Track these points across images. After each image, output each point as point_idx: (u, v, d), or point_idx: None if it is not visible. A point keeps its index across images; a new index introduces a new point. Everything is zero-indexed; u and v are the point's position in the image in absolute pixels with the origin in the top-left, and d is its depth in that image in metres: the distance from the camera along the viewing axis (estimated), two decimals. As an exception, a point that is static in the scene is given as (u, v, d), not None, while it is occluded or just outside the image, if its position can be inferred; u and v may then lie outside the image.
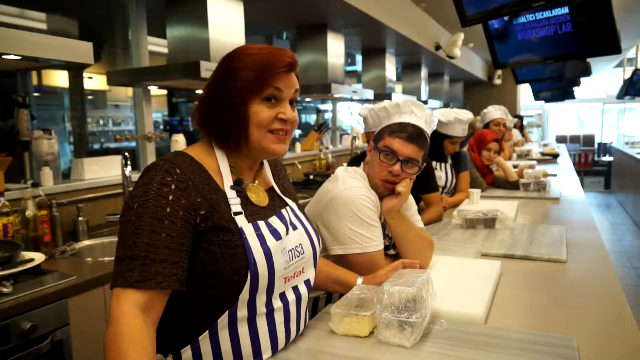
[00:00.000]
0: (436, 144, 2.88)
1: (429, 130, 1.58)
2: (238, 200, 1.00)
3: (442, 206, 2.56)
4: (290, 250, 1.03)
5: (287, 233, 1.04)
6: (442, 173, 2.95)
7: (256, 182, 1.09)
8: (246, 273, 0.94)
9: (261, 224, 1.00)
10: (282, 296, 1.03)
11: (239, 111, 0.98)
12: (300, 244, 1.07)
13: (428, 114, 1.58)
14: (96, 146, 4.33)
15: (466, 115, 2.84)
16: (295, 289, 1.06)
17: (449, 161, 2.98)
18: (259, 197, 1.06)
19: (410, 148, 1.49)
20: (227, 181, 1.01)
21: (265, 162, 1.18)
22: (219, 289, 0.95)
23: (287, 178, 1.24)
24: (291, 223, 1.08)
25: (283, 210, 1.09)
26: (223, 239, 0.94)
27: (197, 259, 0.94)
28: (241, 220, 0.97)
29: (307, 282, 1.10)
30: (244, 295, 0.95)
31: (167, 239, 0.89)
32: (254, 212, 1.02)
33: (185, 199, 0.92)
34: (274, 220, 1.04)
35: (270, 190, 1.12)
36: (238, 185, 1.02)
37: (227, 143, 1.02)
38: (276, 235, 1.01)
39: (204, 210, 0.94)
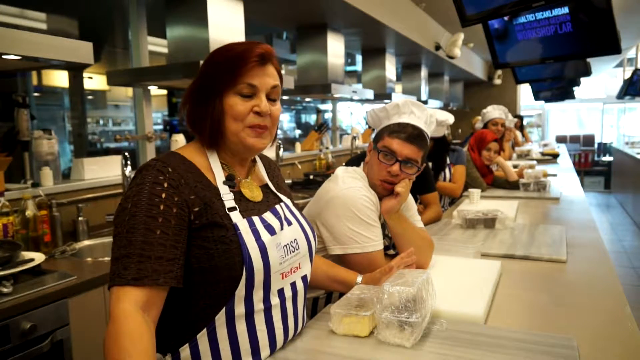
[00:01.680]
0: None
1: (429, 130, 1.58)
2: (231, 195, 1.01)
3: (440, 206, 2.56)
4: (285, 246, 1.04)
5: (282, 228, 1.05)
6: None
7: (249, 178, 1.10)
8: (241, 268, 0.94)
9: (255, 219, 1.01)
10: (280, 292, 1.03)
11: (213, 104, 1.00)
12: (295, 239, 1.07)
13: (428, 114, 1.57)
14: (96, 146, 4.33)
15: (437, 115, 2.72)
16: (293, 285, 1.07)
17: (448, 161, 2.99)
18: (252, 193, 1.07)
19: (409, 148, 1.49)
20: (219, 177, 1.02)
21: (259, 160, 1.19)
22: (215, 286, 0.95)
23: (281, 177, 1.25)
24: (286, 219, 1.09)
25: (277, 206, 1.09)
26: (217, 235, 0.95)
27: (192, 256, 0.94)
28: (235, 216, 0.98)
29: (303, 277, 1.11)
30: (240, 291, 0.95)
31: (162, 236, 0.89)
32: (248, 208, 1.03)
33: (178, 196, 0.93)
34: (268, 216, 1.04)
35: (264, 187, 1.13)
36: (230, 181, 1.03)
37: (206, 138, 1.03)
38: (271, 230, 1.01)
39: (198, 207, 0.95)
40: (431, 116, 1.58)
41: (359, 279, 1.35)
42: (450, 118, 2.65)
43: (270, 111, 1.02)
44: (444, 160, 2.98)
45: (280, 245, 1.02)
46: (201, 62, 2.38)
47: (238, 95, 1.00)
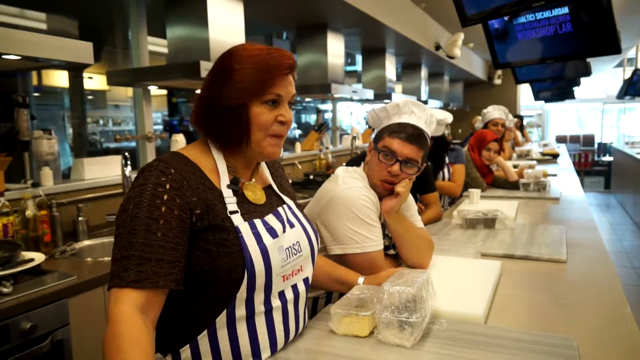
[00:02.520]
0: None
1: (429, 130, 1.58)
2: (234, 199, 1.00)
3: (440, 206, 2.56)
4: (288, 248, 1.03)
5: (284, 231, 1.04)
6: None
7: (253, 180, 1.09)
8: (243, 271, 0.94)
9: (257, 222, 1.00)
10: (281, 295, 1.03)
11: (240, 112, 0.99)
12: (297, 241, 1.07)
13: (428, 114, 1.57)
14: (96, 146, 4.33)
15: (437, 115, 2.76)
16: (294, 287, 1.07)
17: (447, 160, 2.98)
18: (255, 195, 1.06)
19: (410, 148, 1.49)
20: (224, 180, 1.01)
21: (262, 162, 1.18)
22: (217, 288, 0.95)
23: (284, 177, 1.25)
24: (288, 221, 1.08)
25: (280, 209, 1.09)
26: (219, 238, 0.94)
27: (194, 258, 0.94)
28: (237, 219, 0.98)
29: (305, 280, 1.11)
30: (242, 293, 0.95)
31: (163, 238, 0.89)
32: (250, 211, 1.03)
33: (180, 198, 0.93)
34: (270, 219, 1.04)
35: (267, 189, 1.13)
36: (234, 184, 1.02)
37: (227, 143, 1.02)
38: (273, 233, 1.01)
39: (200, 210, 0.94)
40: (431, 116, 1.58)
41: (361, 280, 1.35)
42: (448, 117, 2.65)
43: (291, 119, 1.04)
44: (443, 160, 2.98)
45: (282, 248, 1.02)
46: (201, 62, 2.39)
47: (264, 104, 1.00)
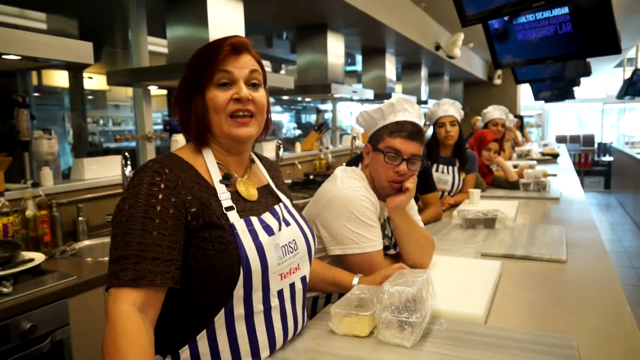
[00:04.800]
0: (433, 141, 2.89)
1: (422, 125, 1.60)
2: (229, 195, 1.01)
3: (440, 206, 2.56)
4: (284, 246, 1.03)
5: (280, 229, 1.05)
6: (449, 177, 2.89)
7: (245, 176, 1.10)
8: (239, 269, 0.94)
9: (254, 219, 1.01)
10: (279, 293, 1.03)
11: (196, 100, 1.01)
12: (293, 240, 1.07)
13: (418, 108, 1.59)
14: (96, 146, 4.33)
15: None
16: (292, 286, 1.07)
17: (457, 164, 2.93)
18: (248, 191, 1.07)
19: (413, 145, 1.50)
20: (215, 176, 1.02)
21: (258, 161, 1.19)
22: (214, 287, 0.95)
23: (280, 178, 1.25)
24: (284, 219, 1.08)
25: (276, 207, 1.10)
26: (215, 236, 0.95)
27: (190, 256, 0.95)
28: (233, 216, 0.98)
29: (303, 278, 1.11)
30: (239, 291, 0.95)
31: (159, 237, 0.89)
32: (246, 208, 1.03)
33: (175, 197, 0.93)
34: (266, 216, 1.04)
35: (263, 188, 1.13)
36: (226, 179, 1.03)
37: (194, 135, 1.04)
38: (269, 231, 1.01)
39: (195, 208, 0.95)
40: (419, 110, 1.60)
41: (355, 280, 1.34)
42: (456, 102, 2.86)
43: (251, 97, 1.02)
44: (463, 148, 2.93)
45: (278, 245, 1.02)
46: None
47: (217, 86, 1.01)
